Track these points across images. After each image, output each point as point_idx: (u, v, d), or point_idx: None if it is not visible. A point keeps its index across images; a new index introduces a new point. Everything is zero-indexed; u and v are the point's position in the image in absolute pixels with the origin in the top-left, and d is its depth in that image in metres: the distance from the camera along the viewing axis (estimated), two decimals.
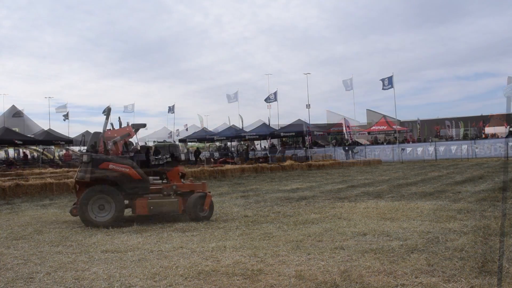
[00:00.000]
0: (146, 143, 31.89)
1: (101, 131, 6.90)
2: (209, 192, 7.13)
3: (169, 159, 7.54)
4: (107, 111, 6.96)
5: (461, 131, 49.16)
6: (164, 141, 34.66)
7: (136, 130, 7.22)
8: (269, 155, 27.38)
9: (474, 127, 47.01)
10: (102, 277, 3.72)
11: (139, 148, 7.35)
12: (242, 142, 33.02)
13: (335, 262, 3.98)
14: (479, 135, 39.85)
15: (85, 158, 6.45)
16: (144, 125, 7.45)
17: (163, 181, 7.13)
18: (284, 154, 28.81)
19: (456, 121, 49.68)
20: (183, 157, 24.62)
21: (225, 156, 27.69)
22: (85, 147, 7.14)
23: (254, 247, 4.68)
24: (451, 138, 41.48)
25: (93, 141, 6.73)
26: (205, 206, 6.88)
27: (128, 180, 6.52)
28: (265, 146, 38.77)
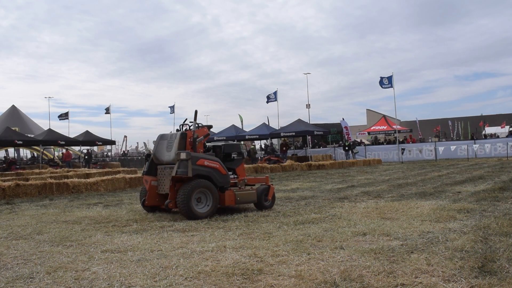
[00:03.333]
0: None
1: (180, 131, 7.74)
2: (272, 184, 8.12)
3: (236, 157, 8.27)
4: (194, 114, 7.82)
5: (461, 131, 49.08)
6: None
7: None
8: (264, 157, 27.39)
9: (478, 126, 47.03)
10: (102, 277, 3.72)
11: (211, 147, 8.18)
12: (283, 139, 32.78)
13: (335, 262, 3.98)
14: (479, 135, 39.85)
15: (183, 155, 6.94)
16: (211, 126, 8.47)
17: (234, 176, 7.97)
18: (286, 154, 28.74)
19: (458, 121, 49.63)
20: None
21: (269, 154, 27.69)
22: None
23: (254, 247, 4.68)
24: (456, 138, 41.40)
25: (182, 140, 7.37)
26: (269, 196, 7.92)
27: (218, 174, 7.30)
28: (262, 146, 38.73)
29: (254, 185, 8.14)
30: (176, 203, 6.96)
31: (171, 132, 8.07)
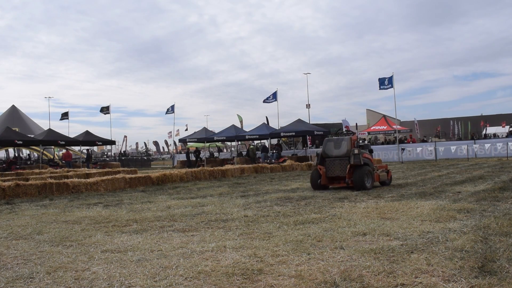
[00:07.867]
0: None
1: (344, 136, 11.47)
2: (390, 170, 12.28)
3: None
4: (356, 125, 13.05)
5: (462, 131, 49.02)
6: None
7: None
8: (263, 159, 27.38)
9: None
10: (102, 277, 3.72)
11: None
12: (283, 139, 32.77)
13: (335, 262, 3.98)
14: (480, 135, 39.82)
15: (356, 151, 10.76)
16: (355, 133, 12.19)
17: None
18: (281, 153, 28.68)
19: (458, 121, 49.57)
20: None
21: (265, 158, 27.63)
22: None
23: (254, 247, 4.68)
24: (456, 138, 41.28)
25: (350, 142, 11.04)
26: (389, 177, 12.02)
27: (370, 163, 11.18)
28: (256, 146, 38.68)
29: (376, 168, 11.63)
30: (353, 181, 10.57)
31: (332, 136, 11.79)
